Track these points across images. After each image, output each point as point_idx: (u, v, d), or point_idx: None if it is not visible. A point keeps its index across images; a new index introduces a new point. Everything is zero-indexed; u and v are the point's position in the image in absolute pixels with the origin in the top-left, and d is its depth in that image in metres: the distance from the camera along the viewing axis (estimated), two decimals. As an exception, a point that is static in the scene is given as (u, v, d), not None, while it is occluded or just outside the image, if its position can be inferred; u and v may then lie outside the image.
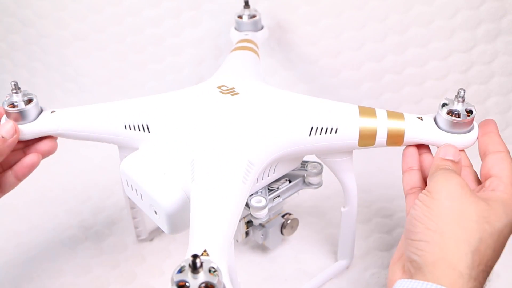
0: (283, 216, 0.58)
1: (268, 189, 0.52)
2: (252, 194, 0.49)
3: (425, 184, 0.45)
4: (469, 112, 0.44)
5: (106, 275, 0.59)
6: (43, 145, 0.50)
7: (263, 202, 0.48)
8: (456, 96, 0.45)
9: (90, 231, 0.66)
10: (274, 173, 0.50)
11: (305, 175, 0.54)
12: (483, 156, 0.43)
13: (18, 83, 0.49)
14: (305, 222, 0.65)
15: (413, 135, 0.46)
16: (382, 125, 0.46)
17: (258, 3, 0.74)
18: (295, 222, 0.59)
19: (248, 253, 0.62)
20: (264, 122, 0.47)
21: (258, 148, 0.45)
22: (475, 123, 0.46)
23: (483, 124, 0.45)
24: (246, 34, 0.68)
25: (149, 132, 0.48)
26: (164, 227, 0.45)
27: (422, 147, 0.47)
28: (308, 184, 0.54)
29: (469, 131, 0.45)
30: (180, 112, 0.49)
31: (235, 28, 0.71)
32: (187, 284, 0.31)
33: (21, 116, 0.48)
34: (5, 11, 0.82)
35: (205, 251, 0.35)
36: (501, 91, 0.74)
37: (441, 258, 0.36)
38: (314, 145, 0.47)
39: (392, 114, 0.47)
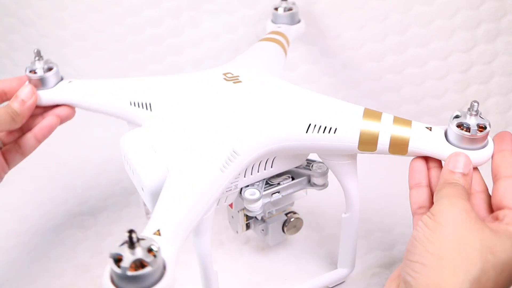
0: (286, 214, 0.57)
1: (268, 183, 0.51)
2: (247, 186, 0.49)
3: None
4: (483, 127, 0.41)
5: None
6: (61, 110, 0.53)
7: (257, 195, 0.48)
8: (468, 109, 0.41)
9: (90, 231, 0.66)
10: (272, 167, 0.49)
11: (310, 174, 0.52)
12: (494, 177, 0.40)
13: (41, 51, 0.53)
14: (306, 222, 0.65)
15: (418, 145, 0.42)
16: (385, 131, 0.43)
17: None
18: (299, 222, 0.57)
19: (249, 253, 0.62)
20: (258, 112, 0.46)
21: (247, 138, 0.44)
22: (490, 139, 0.42)
23: (498, 139, 0.42)
24: (279, 27, 0.67)
25: (151, 110, 0.49)
26: (149, 205, 0.45)
27: (431, 160, 0.44)
28: (313, 185, 0.53)
29: (483, 147, 0.41)
30: (181, 94, 0.49)
31: (272, 20, 0.70)
32: (122, 258, 0.30)
33: (40, 83, 0.52)
34: (5, 11, 0.82)
35: (158, 231, 0.35)
36: (501, 91, 0.74)
37: (435, 283, 0.34)
38: (311, 143, 0.45)
39: (398, 120, 0.44)
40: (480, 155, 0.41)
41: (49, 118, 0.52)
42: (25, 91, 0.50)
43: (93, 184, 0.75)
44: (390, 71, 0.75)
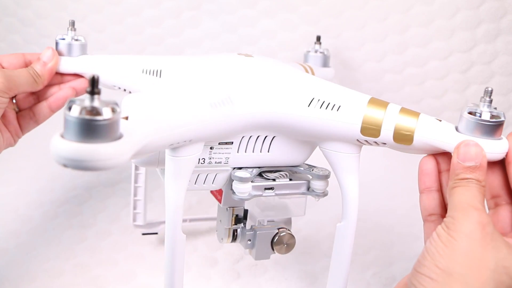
0: (279, 229, 0.52)
1: (263, 177, 0.49)
2: (240, 168, 0.48)
3: (446, 208, 0.40)
4: (497, 116, 0.38)
5: (106, 274, 0.59)
6: (78, 83, 0.54)
7: (247, 175, 0.46)
8: (482, 97, 0.38)
9: (89, 231, 0.66)
10: (268, 151, 0.48)
11: (310, 179, 0.49)
12: None
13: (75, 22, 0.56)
14: (307, 220, 0.65)
15: (425, 134, 0.40)
16: (390, 117, 0.41)
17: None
18: (290, 239, 0.52)
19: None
20: (262, 76, 0.46)
21: (245, 91, 0.44)
22: (504, 137, 0.39)
23: None
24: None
25: (160, 77, 0.51)
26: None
27: (442, 162, 0.41)
28: (311, 191, 0.49)
29: (497, 139, 0.38)
30: (190, 63, 0.50)
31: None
32: (75, 104, 0.29)
33: (64, 50, 0.54)
34: (5, 11, 0.82)
35: (127, 117, 0.34)
36: (501, 91, 0.74)
37: None
38: (312, 121, 0.43)
39: (405, 111, 0.41)
40: (495, 145, 0.37)
41: (65, 90, 0.53)
42: (47, 54, 0.52)
43: (92, 184, 0.75)
44: (390, 71, 0.75)
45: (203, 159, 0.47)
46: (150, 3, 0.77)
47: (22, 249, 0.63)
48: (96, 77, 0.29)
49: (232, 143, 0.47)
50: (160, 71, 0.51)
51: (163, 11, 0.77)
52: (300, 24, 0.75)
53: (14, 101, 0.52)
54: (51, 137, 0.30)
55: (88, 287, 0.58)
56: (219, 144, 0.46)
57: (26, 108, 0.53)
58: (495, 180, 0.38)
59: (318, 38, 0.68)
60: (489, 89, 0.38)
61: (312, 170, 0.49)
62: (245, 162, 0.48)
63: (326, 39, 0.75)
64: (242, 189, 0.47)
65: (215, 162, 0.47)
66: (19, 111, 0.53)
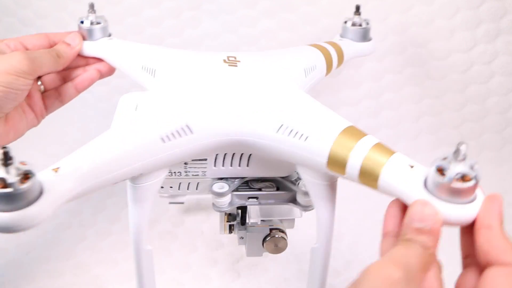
0: (272, 229, 0.51)
1: (250, 186, 0.49)
2: (222, 179, 0.48)
3: None
4: (469, 179, 0.31)
5: (105, 274, 0.59)
6: (102, 66, 0.56)
7: (225, 189, 0.46)
8: (454, 152, 0.31)
9: (89, 230, 0.66)
10: (247, 166, 0.46)
11: (295, 191, 0.48)
12: (483, 261, 0.31)
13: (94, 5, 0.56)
14: (307, 220, 0.65)
15: (389, 181, 0.34)
16: (357, 153, 0.36)
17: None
18: (281, 242, 0.51)
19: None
20: (233, 98, 0.43)
21: (205, 119, 0.41)
22: (480, 193, 0.32)
23: (485, 211, 0.32)
24: (340, 39, 0.62)
25: (154, 77, 0.49)
26: None
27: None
28: (297, 203, 0.48)
29: (469, 202, 0.32)
30: (180, 67, 0.49)
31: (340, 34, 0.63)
32: None
33: (85, 33, 0.55)
34: (5, 11, 0.82)
35: (57, 168, 0.35)
36: (501, 91, 0.74)
37: None
38: (279, 147, 0.40)
39: (379, 147, 0.36)
40: (458, 210, 0.31)
41: (90, 71, 0.55)
42: (71, 36, 0.54)
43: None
44: (390, 71, 0.75)
45: (179, 172, 0.47)
46: (150, 3, 0.77)
47: (22, 249, 0.63)
48: (6, 151, 0.30)
49: (206, 159, 0.46)
50: (155, 70, 0.50)
51: (163, 11, 0.77)
52: (300, 24, 0.75)
53: (39, 83, 0.53)
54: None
55: (88, 287, 0.58)
56: (192, 160, 0.46)
57: (52, 89, 0.54)
58: (469, 239, 0.33)
59: (358, 8, 0.61)
60: (462, 147, 0.31)
61: (298, 184, 0.48)
62: (225, 173, 0.47)
63: (326, 39, 0.75)
64: (220, 203, 0.47)
65: (192, 175, 0.47)
66: (44, 91, 0.54)
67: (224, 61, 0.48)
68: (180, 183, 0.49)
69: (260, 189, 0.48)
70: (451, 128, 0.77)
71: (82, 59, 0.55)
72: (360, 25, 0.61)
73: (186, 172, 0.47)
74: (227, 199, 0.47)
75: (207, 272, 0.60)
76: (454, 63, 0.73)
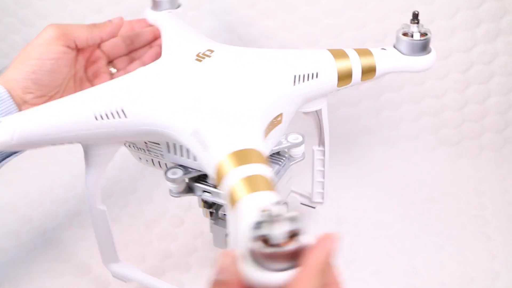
0: None
1: (205, 179, 0.50)
2: (180, 167, 0.49)
3: None
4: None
5: (106, 274, 0.59)
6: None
7: (178, 175, 0.47)
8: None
9: (89, 231, 0.66)
10: (195, 160, 0.48)
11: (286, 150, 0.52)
12: None
13: None
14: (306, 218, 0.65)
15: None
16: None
17: (244, 7, 0.74)
18: None
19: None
20: (245, 79, 0.47)
21: (140, 107, 0.44)
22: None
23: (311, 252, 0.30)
24: (383, 49, 0.52)
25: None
26: None
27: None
28: (290, 158, 0.53)
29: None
30: (155, 87, 0.46)
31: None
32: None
33: (152, 4, 0.63)
34: (5, 11, 0.82)
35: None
36: (501, 91, 0.74)
37: None
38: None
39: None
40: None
41: (155, 48, 0.58)
42: (115, 18, 0.56)
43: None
44: (390, 71, 0.75)
45: (143, 149, 0.50)
46: (150, 3, 0.77)
47: (22, 249, 0.63)
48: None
49: (159, 144, 0.48)
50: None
51: (163, 11, 0.77)
52: (300, 24, 0.75)
53: (111, 68, 0.56)
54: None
55: (88, 287, 0.58)
56: (148, 141, 0.49)
57: (122, 70, 0.57)
58: None
59: (415, 16, 0.50)
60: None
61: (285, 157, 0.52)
62: (180, 161, 0.49)
63: (326, 39, 0.75)
64: (174, 189, 0.48)
65: (154, 155, 0.49)
66: (116, 72, 0.56)
67: (198, 55, 0.49)
68: (140, 157, 0.52)
69: (215, 186, 0.48)
70: (451, 128, 0.77)
71: (148, 36, 0.58)
72: (412, 35, 0.50)
73: (148, 150, 0.50)
74: (179, 186, 0.48)
75: (207, 272, 0.60)
76: (454, 63, 0.73)
